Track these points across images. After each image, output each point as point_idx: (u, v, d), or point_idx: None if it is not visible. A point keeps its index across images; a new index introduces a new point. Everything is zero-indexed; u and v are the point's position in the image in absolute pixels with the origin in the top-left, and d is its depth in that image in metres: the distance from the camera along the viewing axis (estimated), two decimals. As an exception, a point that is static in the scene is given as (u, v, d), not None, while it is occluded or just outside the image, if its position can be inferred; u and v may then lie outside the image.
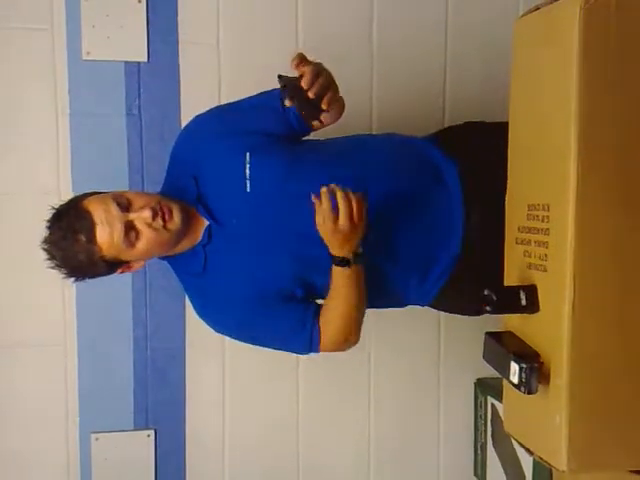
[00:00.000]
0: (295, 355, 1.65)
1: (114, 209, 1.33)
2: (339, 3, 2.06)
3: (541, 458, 1.19)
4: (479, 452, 2.18)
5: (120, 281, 1.77)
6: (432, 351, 2.19)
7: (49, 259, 1.37)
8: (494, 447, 2.09)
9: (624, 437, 1.15)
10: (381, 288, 1.49)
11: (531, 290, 1.19)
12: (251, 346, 1.52)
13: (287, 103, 1.31)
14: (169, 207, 1.38)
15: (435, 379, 2.20)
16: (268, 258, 1.43)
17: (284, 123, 1.47)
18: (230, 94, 1.80)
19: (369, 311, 1.47)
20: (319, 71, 1.29)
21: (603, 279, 1.11)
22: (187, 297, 1.58)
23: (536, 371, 1.12)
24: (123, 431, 2.02)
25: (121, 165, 1.95)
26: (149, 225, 1.35)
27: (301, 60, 1.30)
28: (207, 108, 1.56)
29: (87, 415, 2.00)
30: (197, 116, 1.55)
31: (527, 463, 1.87)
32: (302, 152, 1.50)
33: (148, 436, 2.03)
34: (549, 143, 1.16)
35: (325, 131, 1.54)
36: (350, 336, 1.46)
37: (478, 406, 2.17)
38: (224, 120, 1.52)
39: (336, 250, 1.35)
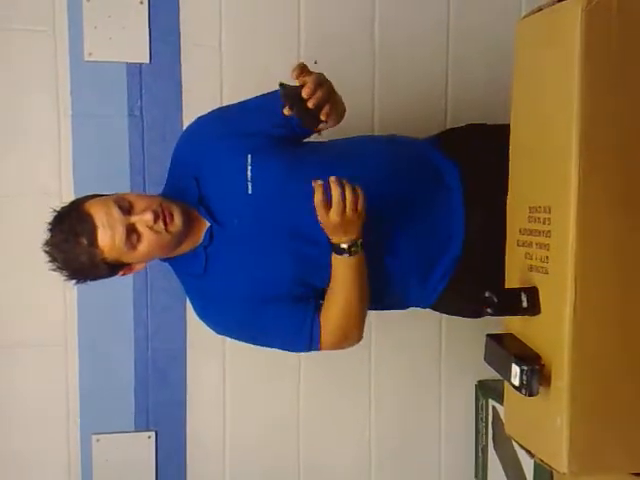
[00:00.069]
0: (295, 355, 1.65)
1: (116, 212, 1.33)
2: (341, 4, 2.05)
3: (542, 460, 1.19)
4: (480, 454, 2.18)
5: (121, 282, 1.76)
6: (433, 351, 2.18)
7: (51, 261, 1.37)
8: (495, 449, 2.09)
9: (625, 439, 1.15)
10: (382, 290, 1.48)
11: (532, 292, 1.19)
12: (251, 346, 1.52)
13: (286, 112, 1.31)
14: (170, 210, 1.38)
15: (436, 378, 2.19)
16: (269, 259, 1.43)
17: (285, 125, 1.47)
18: (232, 95, 1.80)
19: (370, 312, 1.47)
20: (321, 82, 1.30)
21: (604, 281, 1.11)
22: (188, 298, 1.58)
23: (537, 373, 1.12)
24: (124, 432, 2.02)
25: (123, 166, 1.95)
26: (151, 228, 1.35)
27: (302, 70, 1.31)
28: (209, 109, 1.56)
29: (88, 416, 2.00)
30: (199, 117, 1.55)
31: (528, 465, 1.86)
32: (303, 154, 1.50)
33: (149, 437, 2.03)
34: (550, 144, 1.16)
35: (327, 132, 1.53)
36: (351, 332, 1.45)
37: (479, 408, 2.16)
38: (226, 122, 1.52)
39: (336, 238, 1.35)
